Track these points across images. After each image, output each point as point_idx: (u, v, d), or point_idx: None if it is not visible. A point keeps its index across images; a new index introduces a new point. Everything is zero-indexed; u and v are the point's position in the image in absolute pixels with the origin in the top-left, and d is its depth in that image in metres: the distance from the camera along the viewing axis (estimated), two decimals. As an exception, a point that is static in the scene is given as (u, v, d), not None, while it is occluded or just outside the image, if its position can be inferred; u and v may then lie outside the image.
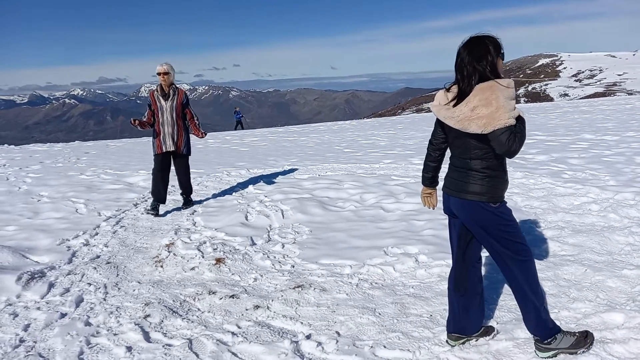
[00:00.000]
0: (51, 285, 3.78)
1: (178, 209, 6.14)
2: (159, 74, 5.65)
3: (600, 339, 2.72)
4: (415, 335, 2.90)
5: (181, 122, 5.78)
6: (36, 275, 3.90)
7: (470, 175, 2.48)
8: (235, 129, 25.94)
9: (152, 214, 5.72)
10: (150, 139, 5.95)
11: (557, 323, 2.92)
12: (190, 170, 8.73)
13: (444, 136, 2.68)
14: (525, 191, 6.26)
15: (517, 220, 5.02)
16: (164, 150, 5.73)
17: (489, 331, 2.84)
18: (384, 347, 2.78)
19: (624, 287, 3.39)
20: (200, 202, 6.43)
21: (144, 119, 5.77)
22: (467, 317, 2.72)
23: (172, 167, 6.04)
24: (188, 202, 6.14)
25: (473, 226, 2.54)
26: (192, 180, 7.79)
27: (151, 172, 5.95)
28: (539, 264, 3.82)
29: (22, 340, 2.98)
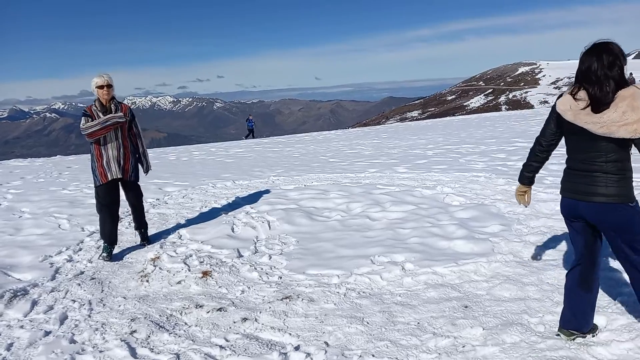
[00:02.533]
0: (34, 303, 3.71)
1: (163, 223, 6.08)
2: (100, 87, 4.65)
3: (584, 342, 2.77)
4: (403, 343, 2.92)
5: (127, 142, 4.80)
6: (19, 293, 3.82)
7: (606, 179, 2.51)
8: (247, 137, 25.70)
9: (106, 260, 4.71)
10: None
11: (542, 328, 2.99)
12: (174, 182, 8.75)
13: (555, 139, 2.75)
14: (508, 197, 6.36)
15: (501, 227, 5.08)
16: (110, 179, 4.73)
17: (594, 329, 2.89)
18: (373, 356, 2.79)
19: (607, 289, 3.46)
20: (185, 214, 6.39)
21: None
22: (588, 314, 2.79)
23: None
24: (145, 238, 5.20)
25: (605, 229, 2.60)
26: (176, 194, 7.76)
27: (95, 208, 4.99)
28: (523, 269, 3.90)
29: (4, 360, 2.93)
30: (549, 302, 3.32)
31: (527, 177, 2.97)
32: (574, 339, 2.80)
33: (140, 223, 5.20)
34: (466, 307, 3.33)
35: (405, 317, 3.27)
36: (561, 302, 3.28)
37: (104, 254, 4.77)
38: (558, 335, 2.86)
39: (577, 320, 2.79)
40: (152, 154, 16.10)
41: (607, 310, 3.12)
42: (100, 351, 3.00)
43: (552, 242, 4.50)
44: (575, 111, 2.53)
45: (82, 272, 4.41)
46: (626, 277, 3.60)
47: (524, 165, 2.98)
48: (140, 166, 5.04)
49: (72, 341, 3.13)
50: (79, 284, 4.07)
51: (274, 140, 20.72)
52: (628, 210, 2.52)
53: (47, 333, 3.24)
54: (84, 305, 3.70)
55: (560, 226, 5.01)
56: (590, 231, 2.71)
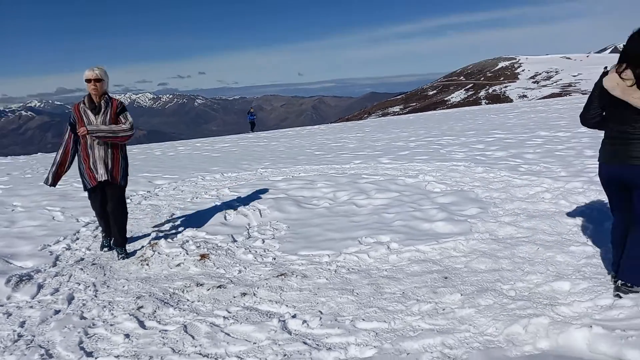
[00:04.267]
0: (40, 287, 3.91)
1: (156, 213, 6.27)
2: (88, 80, 4.29)
3: (550, 302, 3.11)
4: (390, 309, 3.22)
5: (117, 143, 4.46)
6: (24, 278, 4.01)
7: None
8: (252, 131, 25.64)
9: (107, 251, 4.76)
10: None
11: (513, 293, 3.33)
12: (164, 175, 8.90)
13: (598, 114, 3.18)
14: (486, 184, 6.73)
15: (478, 209, 5.45)
16: (98, 181, 4.42)
17: None
18: (363, 320, 3.09)
19: (571, 260, 3.82)
20: (177, 205, 6.59)
21: (58, 160, 4.47)
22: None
23: None
24: (122, 252, 4.62)
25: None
26: (167, 186, 7.92)
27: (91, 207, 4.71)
28: (497, 245, 4.25)
29: (20, 335, 3.13)
30: (520, 272, 3.66)
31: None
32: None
33: (116, 235, 4.62)
34: (446, 278, 3.66)
35: (391, 288, 3.58)
36: (531, 272, 3.65)
37: (105, 248, 4.80)
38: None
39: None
40: (137, 150, 16.14)
41: (571, 277, 3.47)
42: (111, 324, 3.23)
43: (524, 222, 4.86)
44: (623, 88, 2.91)
45: (82, 259, 4.60)
46: (588, 249, 3.99)
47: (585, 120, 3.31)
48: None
49: (83, 317, 3.35)
50: (82, 269, 4.27)
51: (259, 135, 20.90)
52: None
53: (57, 312, 3.46)
54: (88, 287, 3.91)
55: (532, 208, 5.39)
56: (627, 192, 3.13)
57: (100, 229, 4.95)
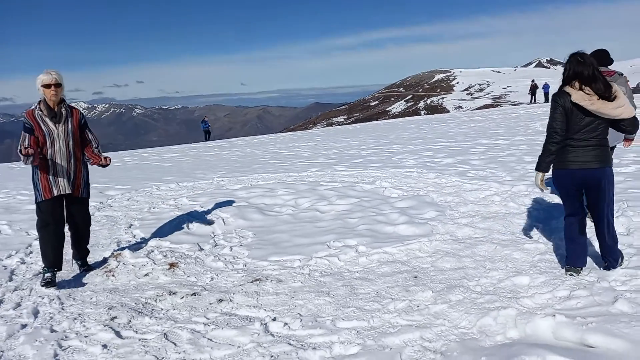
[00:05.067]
0: (0, 302, 3.70)
1: (113, 224, 6.07)
2: (47, 86, 3.96)
3: (514, 296, 3.37)
4: (367, 308, 3.35)
5: (80, 153, 4.21)
6: (-21, 294, 3.78)
7: (602, 150, 3.44)
8: (206, 139, 25.60)
9: (49, 287, 3.96)
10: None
11: (479, 288, 3.57)
12: (115, 186, 8.58)
13: (565, 127, 3.45)
14: (439, 189, 7.08)
15: (436, 213, 5.74)
16: (56, 194, 4.03)
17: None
18: (342, 319, 3.20)
19: (526, 257, 4.14)
20: (134, 215, 6.41)
21: (30, 150, 3.86)
22: (586, 253, 3.67)
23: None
24: (84, 265, 4.45)
25: (600, 187, 3.46)
26: (120, 197, 7.64)
27: (36, 227, 4.19)
28: (458, 245, 4.51)
29: (-15, 352, 2.96)
30: (483, 269, 3.92)
31: (548, 164, 3.61)
32: (579, 273, 3.59)
33: (80, 250, 4.42)
34: (416, 277, 3.85)
35: (365, 288, 3.71)
36: (493, 268, 3.92)
37: (47, 280, 4.00)
38: (571, 274, 3.59)
39: (583, 258, 3.64)
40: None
41: (529, 272, 3.77)
42: (85, 336, 3.13)
43: (479, 223, 5.19)
44: (596, 102, 3.29)
45: (40, 272, 4.38)
46: (540, 246, 4.33)
47: (542, 156, 3.59)
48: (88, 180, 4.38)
49: (53, 330, 3.22)
50: (42, 282, 4.07)
51: (207, 145, 20.58)
52: (612, 170, 3.55)
53: (24, 326, 3.29)
54: (53, 300, 3.75)
55: (485, 210, 5.75)
56: (582, 192, 3.62)
57: (43, 261, 4.13)
